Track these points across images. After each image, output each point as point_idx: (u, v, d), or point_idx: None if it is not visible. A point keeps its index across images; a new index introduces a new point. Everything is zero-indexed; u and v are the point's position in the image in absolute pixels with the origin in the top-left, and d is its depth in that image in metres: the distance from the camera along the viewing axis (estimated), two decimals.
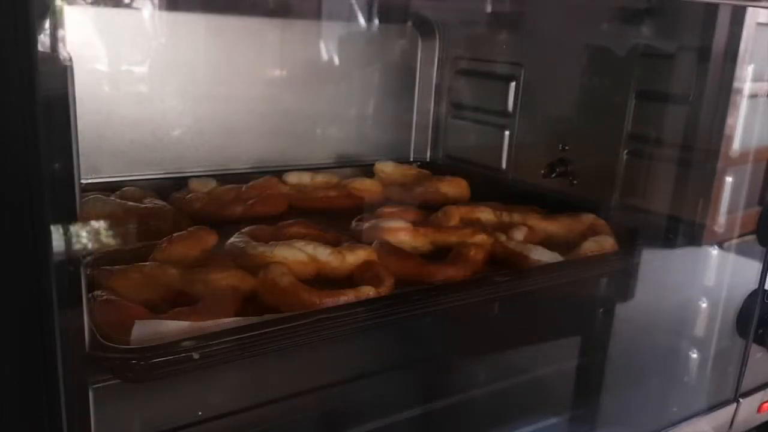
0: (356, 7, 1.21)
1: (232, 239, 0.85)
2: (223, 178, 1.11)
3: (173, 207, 0.97)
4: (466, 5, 1.28)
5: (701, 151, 0.94)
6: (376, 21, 1.29)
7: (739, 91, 0.89)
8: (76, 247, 0.44)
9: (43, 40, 0.39)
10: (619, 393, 0.95)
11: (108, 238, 0.86)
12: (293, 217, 0.95)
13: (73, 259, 0.44)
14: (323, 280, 0.80)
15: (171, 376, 0.58)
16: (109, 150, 1.07)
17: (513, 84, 1.23)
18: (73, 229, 0.43)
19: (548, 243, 0.93)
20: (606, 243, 0.93)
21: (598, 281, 1.00)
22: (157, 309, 0.66)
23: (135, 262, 0.74)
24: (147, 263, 0.74)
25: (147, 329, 0.60)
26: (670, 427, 0.92)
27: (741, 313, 0.96)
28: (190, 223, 0.88)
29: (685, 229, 0.95)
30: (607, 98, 1.07)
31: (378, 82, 1.35)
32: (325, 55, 1.26)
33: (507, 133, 1.25)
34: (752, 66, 0.88)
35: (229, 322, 0.64)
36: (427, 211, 1.02)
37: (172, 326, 0.61)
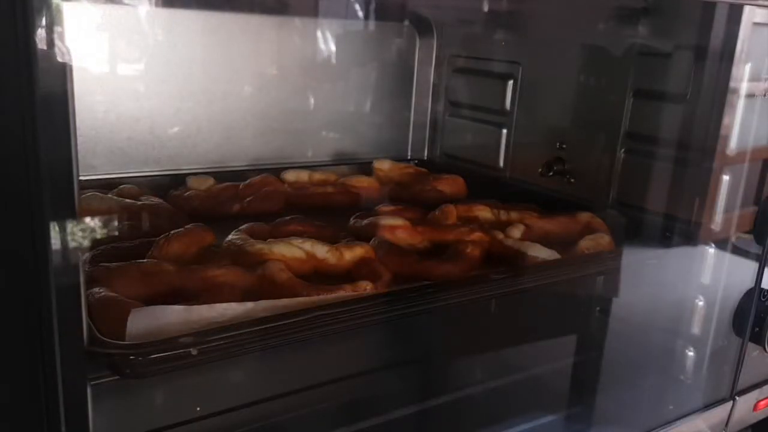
0: (354, 5, 1.21)
1: (229, 237, 0.84)
2: (221, 175, 1.10)
3: (171, 204, 0.97)
4: (463, 4, 1.28)
5: (698, 150, 0.94)
6: (374, 19, 1.29)
7: (736, 91, 0.89)
8: (75, 243, 0.44)
9: (42, 38, 0.40)
10: (615, 391, 0.95)
11: (105, 236, 0.86)
12: (291, 214, 0.95)
13: (71, 256, 0.44)
14: (321, 278, 0.80)
15: (169, 373, 0.58)
16: (106, 147, 1.07)
17: (510, 82, 1.23)
18: (72, 225, 0.43)
19: (545, 241, 0.93)
20: (603, 241, 0.94)
21: (595, 279, 1.00)
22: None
23: (133, 259, 0.74)
24: (145, 260, 0.74)
25: (144, 313, 0.60)
26: (666, 425, 0.93)
27: (737, 311, 0.97)
28: (188, 220, 0.88)
29: (682, 228, 0.95)
30: (604, 97, 1.07)
31: (375, 80, 1.35)
32: (322, 53, 1.26)
33: (504, 131, 1.25)
34: (749, 65, 0.88)
35: (224, 306, 0.64)
36: (425, 209, 1.02)
37: (169, 311, 0.61)
